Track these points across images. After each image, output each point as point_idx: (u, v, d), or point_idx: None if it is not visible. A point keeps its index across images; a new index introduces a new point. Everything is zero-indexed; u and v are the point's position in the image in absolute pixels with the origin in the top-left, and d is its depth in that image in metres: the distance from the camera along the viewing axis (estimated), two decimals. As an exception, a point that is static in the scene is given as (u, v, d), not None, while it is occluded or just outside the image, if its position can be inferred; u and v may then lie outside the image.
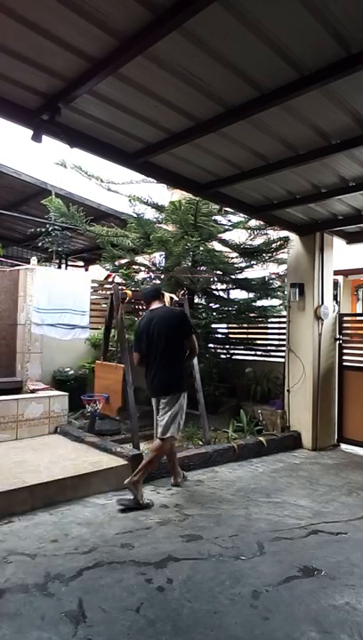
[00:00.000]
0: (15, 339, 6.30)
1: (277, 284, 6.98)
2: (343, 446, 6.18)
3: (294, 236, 6.18)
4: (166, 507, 3.84)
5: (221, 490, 4.33)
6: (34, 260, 7.13)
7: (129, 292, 5.36)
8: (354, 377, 6.18)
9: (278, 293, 6.94)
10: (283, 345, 6.56)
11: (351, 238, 6.51)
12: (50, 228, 9.64)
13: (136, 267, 7.40)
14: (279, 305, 7.03)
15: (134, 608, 2.43)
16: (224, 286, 7.29)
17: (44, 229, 9.71)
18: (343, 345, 6.34)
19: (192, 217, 6.15)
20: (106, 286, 7.68)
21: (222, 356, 7.37)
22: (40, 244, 9.90)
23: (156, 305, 4.27)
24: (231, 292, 7.49)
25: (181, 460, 4.74)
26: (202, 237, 6.36)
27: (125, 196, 7.09)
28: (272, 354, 7.15)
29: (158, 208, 7.09)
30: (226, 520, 3.62)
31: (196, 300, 7.16)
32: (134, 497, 3.77)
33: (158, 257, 7.13)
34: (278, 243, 6.36)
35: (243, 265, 6.77)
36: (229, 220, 7.09)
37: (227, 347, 7.66)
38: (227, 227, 6.99)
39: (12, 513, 3.55)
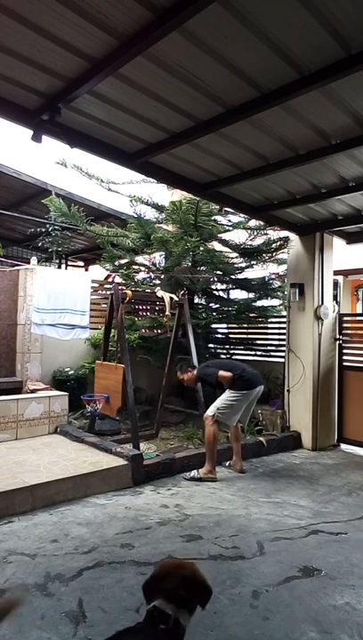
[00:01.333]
0: (15, 339, 6.30)
1: (277, 284, 6.98)
2: (343, 446, 6.18)
3: (294, 236, 6.18)
4: (166, 507, 3.84)
5: (221, 490, 4.33)
6: (34, 260, 7.13)
7: (129, 292, 5.36)
8: (354, 377, 6.18)
9: (278, 293, 6.95)
10: (283, 345, 6.56)
11: (351, 238, 6.51)
12: (50, 228, 9.64)
13: (136, 267, 7.40)
14: (279, 305, 7.03)
15: (134, 608, 2.43)
16: (224, 286, 7.29)
17: (44, 229, 9.71)
18: (343, 345, 6.34)
19: (192, 217, 6.15)
20: (106, 286, 7.68)
21: (222, 356, 7.37)
22: (40, 244, 9.90)
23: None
24: (231, 292, 7.49)
25: (180, 459, 4.74)
26: (202, 237, 6.36)
27: (126, 196, 7.09)
28: (272, 354, 7.14)
29: (159, 208, 7.09)
30: (226, 520, 3.62)
31: (196, 300, 7.16)
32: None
33: (158, 257, 7.13)
34: (278, 243, 6.35)
35: (243, 265, 6.77)
36: (230, 220, 7.09)
37: (227, 347, 7.66)
38: (227, 227, 6.99)
39: (12, 513, 3.55)
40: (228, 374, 4.64)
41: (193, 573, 1.59)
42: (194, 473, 4.55)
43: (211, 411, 4.67)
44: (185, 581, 1.53)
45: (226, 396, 4.66)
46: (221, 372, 4.67)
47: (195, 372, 5.04)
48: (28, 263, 6.88)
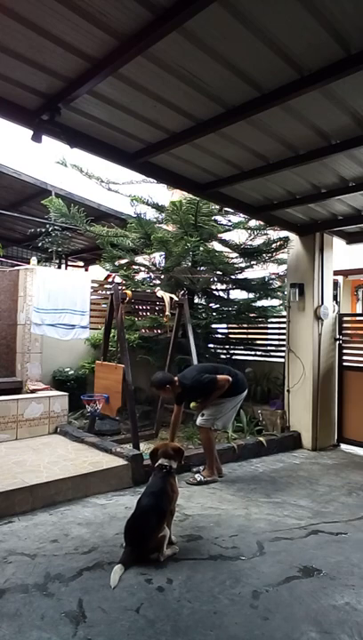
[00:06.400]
0: (15, 339, 6.30)
1: (277, 284, 6.98)
2: (343, 446, 6.17)
3: (294, 236, 6.18)
4: (166, 507, 3.84)
5: (221, 490, 4.33)
6: (34, 260, 7.13)
7: (129, 293, 5.36)
8: (354, 377, 6.17)
9: (278, 293, 6.94)
10: (283, 345, 6.56)
11: (351, 238, 6.51)
12: (50, 229, 9.65)
13: (136, 267, 7.40)
14: (279, 305, 7.02)
15: (134, 608, 2.43)
16: (224, 286, 7.29)
17: (43, 229, 9.72)
18: (343, 345, 6.34)
19: (193, 217, 6.15)
20: (106, 286, 7.68)
21: (222, 357, 7.37)
22: (40, 244, 9.90)
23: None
24: (231, 292, 7.48)
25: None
26: (202, 237, 6.36)
27: (126, 196, 7.09)
28: (272, 354, 7.14)
29: (159, 208, 7.09)
30: (226, 520, 3.62)
31: (196, 300, 7.16)
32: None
33: (158, 257, 7.13)
34: (278, 243, 6.35)
35: (243, 265, 6.77)
36: (230, 220, 7.08)
37: (227, 347, 7.65)
38: (227, 227, 6.99)
39: (12, 513, 3.55)
40: (228, 378, 4.50)
41: (174, 444, 3.40)
42: (199, 478, 4.53)
43: (206, 422, 4.57)
44: (172, 449, 3.26)
45: (220, 403, 4.59)
46: (221, 377, 4.48)
47: (177, 382, 4.53)
48: (28, 263, 6.89)
